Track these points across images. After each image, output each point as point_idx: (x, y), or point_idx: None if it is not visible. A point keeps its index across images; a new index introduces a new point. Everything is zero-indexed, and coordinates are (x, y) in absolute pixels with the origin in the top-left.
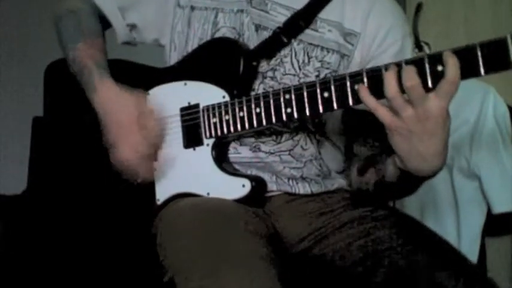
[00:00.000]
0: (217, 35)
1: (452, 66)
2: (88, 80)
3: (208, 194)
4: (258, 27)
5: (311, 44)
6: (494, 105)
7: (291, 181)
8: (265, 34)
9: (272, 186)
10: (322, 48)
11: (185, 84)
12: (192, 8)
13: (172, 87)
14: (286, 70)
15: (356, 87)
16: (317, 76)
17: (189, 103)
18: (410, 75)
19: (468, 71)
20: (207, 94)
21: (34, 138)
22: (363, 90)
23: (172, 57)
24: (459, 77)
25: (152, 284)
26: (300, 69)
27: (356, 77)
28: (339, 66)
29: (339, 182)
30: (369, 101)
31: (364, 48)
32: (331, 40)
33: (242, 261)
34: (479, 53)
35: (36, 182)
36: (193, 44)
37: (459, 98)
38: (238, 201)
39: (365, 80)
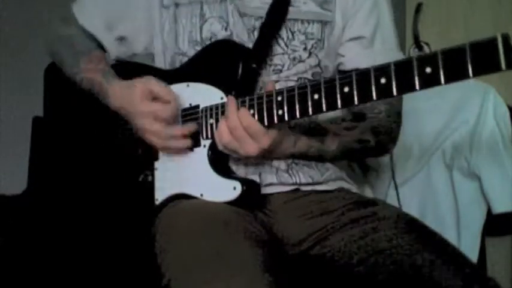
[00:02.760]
0: (206, 26)
1: (229, 109)
2: (100, 90)
3: (201, 195)
4: (241, 14)
5: (290, 19)
6: (494, 105)
7: (291, 171)
8: (246, 20)
9: (272, 179)
10: (302, 21)
11: (188, 85)
12: (177, 5)
13: (175, 88)
14: (274, 51)
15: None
16: (304, 49)
17: (190, 104)
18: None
19: (457, 72)
20: (207, 95)
21: (34, 138)
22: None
23: (166, 57)
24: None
25: (152, 285)
26: (287, 46)
27: (345, 79)
28: (322, 34)
29: (338, 182)
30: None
31: (343, 10)
32: (308, 12)
33: (237, 269)
34: (468, 54)
35: (36, 182)
36: (183, 40)
37: (459, 98)
38: (230, 203)
39: (354, 82)
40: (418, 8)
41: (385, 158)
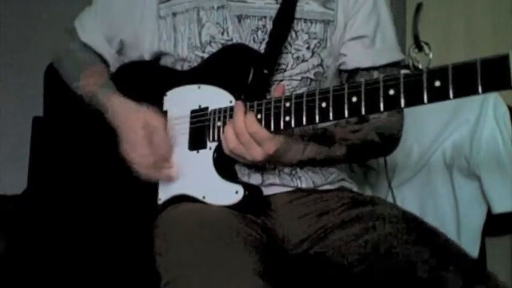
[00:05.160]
0: (203, 31)
1: (236, 114)
2: (100, 104)
3: (203, 197)
4: (240, 18)
5: (294, 18)
6: (494, 105)
7: (293, 177)
8: (249, 22)
9: (275, 179)
10: (305, 20)
11: (199, 87)
12: (174, 14)
13: (187, 89)
14: (278, 68)
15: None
16: (308, 48)
17: (199, 106)
18: (250, 123)
19: (466, 88)
20: (217, 98)
21: (34, 138)
22: (239, 107)
23: (167, 64)
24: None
25: (150, 284)
26: (290, 45)
27: (354, 89)
28: (325, 34)
29: (340, 182)
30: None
31: (345, 9)
32: (311, 11)
33: (234, 275)
34: (478, 70)
35: (36, 182)
36: (182, 47)
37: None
38: (232, 207)
39: (362, 92)
40: (418, 8)
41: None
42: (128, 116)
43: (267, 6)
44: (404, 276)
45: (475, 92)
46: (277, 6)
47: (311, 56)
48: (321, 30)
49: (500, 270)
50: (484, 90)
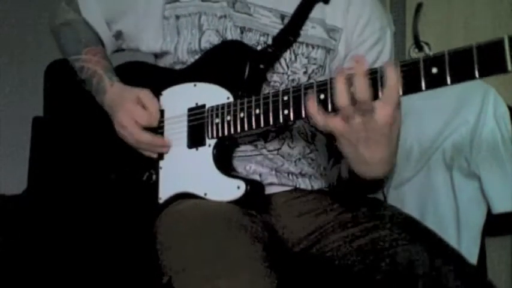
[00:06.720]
0: (203, 38)
1: (390, 73)
2: (98, 85)
3: (205, 194)
4: (243, 30)
5: (296, 41)
6: (494, 105)
7: (290, 176)
8: (251, 35)
9: (273, 179)
10: (307, 44)
11: (195, 85)
12: (177, 17)
13: (183, 88)
14: (274, 69)
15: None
16: (305, 72)
17: (196, 104)
18: (362, 89)
19: (463, 73)
20: (214, 95)
21: (34, 138)
22: (311, 104)
23: (166, 63)
24: (397, 83)
25: (151, 285)
26: (288, 67)
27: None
28: (324, 61)
29: None
30: (317, 118)
31: (347, 41)
32: (315, 36)
33: (240, 266)
34: (474, 55)
35: (36, 182)
36: (182, 50)
37: (459, 98)
38: (234, 202)
39: None
40: (418, 8)
41: None
42: (124, 93)
43: (271, 24)
44: (403, 276)
45: (472, 77)
46: (281, 26)
47: (307, 81)
48: (321, 57)
49: (500, 270)
50: (481, 75)
